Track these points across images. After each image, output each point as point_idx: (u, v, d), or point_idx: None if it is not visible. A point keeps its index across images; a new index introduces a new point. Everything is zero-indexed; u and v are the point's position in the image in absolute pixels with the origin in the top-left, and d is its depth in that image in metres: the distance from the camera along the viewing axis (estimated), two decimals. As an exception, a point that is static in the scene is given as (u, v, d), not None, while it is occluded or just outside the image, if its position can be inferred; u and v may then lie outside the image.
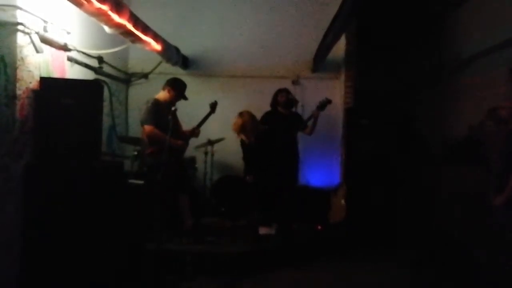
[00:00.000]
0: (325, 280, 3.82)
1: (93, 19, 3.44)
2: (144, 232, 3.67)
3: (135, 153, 4.77)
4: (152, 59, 5.51)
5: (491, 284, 3.04)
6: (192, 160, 5.44)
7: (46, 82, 3.24)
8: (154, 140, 4.06)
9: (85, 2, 3.06)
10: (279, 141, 4.69)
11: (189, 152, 4.82)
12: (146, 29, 4.11)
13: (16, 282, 3.01)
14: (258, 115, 5.00)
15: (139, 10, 4.21)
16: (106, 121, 4.70)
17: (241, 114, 5.01)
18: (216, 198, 5.47)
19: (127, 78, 5.88)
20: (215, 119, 4.59)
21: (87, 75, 4.45)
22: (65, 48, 3.76)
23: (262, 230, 4.59)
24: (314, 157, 5.67)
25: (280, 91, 4.93)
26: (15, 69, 3.01)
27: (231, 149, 5.65)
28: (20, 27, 3.04)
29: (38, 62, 3.27)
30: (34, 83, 3.20)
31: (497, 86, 3.93)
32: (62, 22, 3.67)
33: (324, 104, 4.69)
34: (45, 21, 3.34)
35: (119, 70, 5.55)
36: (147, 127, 4.07)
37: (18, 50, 3.03)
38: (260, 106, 5.16)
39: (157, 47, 4.52)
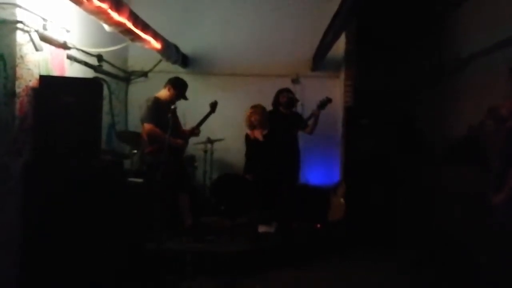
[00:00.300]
0: (324, 279, 3.82)
1: (92, 17, 3.43)
2: (144, 231, 3.67)
3: (135, 151, 4.77)
4: (151, 58, 5.50)
5: (491, 283, 3.05)
6: (192, 158, 5.44)
7: (46, 80, 3.23)
8: (153, 139, 4.05)
9: (84, 0, 3.05)
10: (280, 141, 4.68)
11: (189, 150, 4.81)
12: (145, 27, 4.11)
13: (15, 281, 3.00)
14: (258, 113, 4.99)
15: (139, 8, 4.20)
16: (105, 119, 4.69)
17: (254, 107, 4.84)
18: (215, 197, 5.46)
19: (126, 77, 5.88)
20: (215, 118, 4.58)
21: (87, 73, 4.45)
22: (64, 46, 3.74)
23: (262, 229, 4.59)
24: (313, 156, 5.67)
25: (281, 91, 4.92)
26: (14, 67, 3.00)
27: (230, 148, 5.66)
28: (19, 25, 3.03)
29: (37, 60, 3.26)
30: (33, 81, 3.19)
31: (497, 86, 3.93)
32: (62, 20, 3.66)
33: (325, 103, 4.69)
34: (44, 19, 3.33)
35: (118, 68, 5.54)
36: (147, 126, 4.06)
37: (17, 48, 3.02)
38: (260, 105, 5.14)
39: (157, 45, 4.51)
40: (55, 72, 3.57)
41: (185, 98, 4.34)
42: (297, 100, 5.11)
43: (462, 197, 3.98)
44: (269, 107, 4.97)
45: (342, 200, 4.98)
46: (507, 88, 3.67)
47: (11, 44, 3.00)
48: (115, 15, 3.42)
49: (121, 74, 5.69)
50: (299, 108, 5.35)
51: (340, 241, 4.70)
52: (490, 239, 3.15)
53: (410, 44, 5.71)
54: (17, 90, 3.03)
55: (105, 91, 4.56)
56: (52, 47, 3.54)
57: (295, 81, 5.90)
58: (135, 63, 5.91)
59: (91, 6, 3.14)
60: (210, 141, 5.31)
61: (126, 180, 3.69)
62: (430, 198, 4.64)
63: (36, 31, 3.21)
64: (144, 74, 5.87)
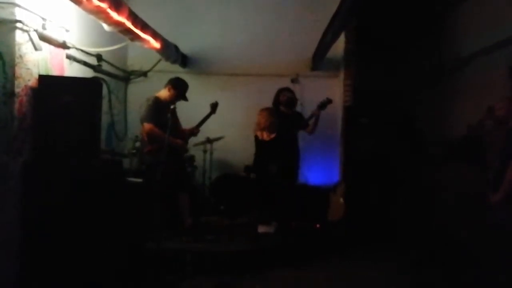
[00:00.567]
0: (324, 279, 3.82)
1: (92, 17, 3.43)
2: (144, 231, 3.66)
3: (134, 151, 4.77)
4: (151, 57, 5.50)
5: (491, 283, 3.05)
6: (191, 158, 5.44)
7: (45, 80, 3.23)
8: (153, 138, 4.05)
9: (84, 0, 3.04)
10: (281, 140, 4.68)
11: (188, 150, 4.80)
12: (145, 27, 4.10)
13: (15, 280, 3.00)
14: (257, 113, 4.98)
15: (138, 8, 4.20)
16: (105, 119, 4.68)
17: (264, 110, 4.81)
18: (215, 197, 5.47)
19: (126, 76, 5.87)
20: (215, 117, 4.58)
21: (86, 73, 4.44)
22: (63, 46, 3.74)
23: (261, 229, 4.59)
24: (313, 155, 5.67)
25: (282, 90, 4.91)
26: (13, 66, 2.99)
27: (230, 147, 5.66)
28: (18, 24, 3.02)
29: (36, 59, 3.26)
30: (32, 81, 3.18)
31: (496, 86, 3.93)
32: (61, 20, 3.65)
33: (325, 103, 4.69)
34: (43, 19, 3.32)
35: (118, 68, 5.54)
36: (147, 125, 4.06)
37: (16, 48, 3.02)
38: (259, 104, 5.14)
39: (156, 45, 4.50)
40: (54, 72, 3.56)
41: (185, 99, 4.34)
42: (296, 100, 5.11)
43: (462, 196, 3.98)
44: (268, 106, 4.96)
45: (341, 200, 4.98)
46: (507, 88, 3.67)
47: (10, 44, 2.99)
48: (114, 15, 3.42)
49: (120, 73, 5.68)
50: (298, 108, 5.34)
51: (340, 241, 4.70)
52: (489, 238, 3.15)
53: (409, 43, 5.71)
54: (16, 89, 3.02)
55: (105, 91, 4.55)
56: (51, 47, 3.54)
57: (294, 80, 5.90)
58: (134, 62, 5.90)
59: (90, 5, 3.13)
60: (209, 141, 5.31)
61: (125, 180, 3.68)
62: (430, 197, 4.64)
63: (35, 30, 3.20)
64: (144, 73, 5.87)
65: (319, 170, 5.84)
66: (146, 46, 4.45)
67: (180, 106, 4.31)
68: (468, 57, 4.60)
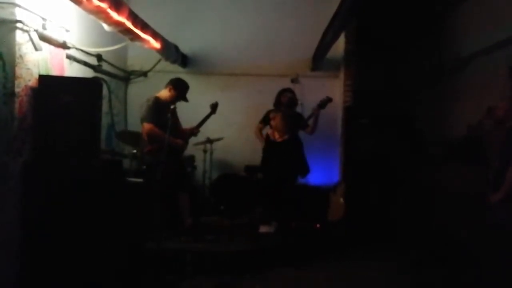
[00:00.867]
0: (324, 279, 3.82)
1: (92, 17, 3.43)
2: (144, 231, 3.66)
3: (134, 151, 4.77)
4: (151, 57, 5.50)
5: (491, 282, 3.05)
6: (191, 158, 5.44)
7: (45, 80, 3.23)
8: (153, 138, 4.05)
9: (84, 0, 3.04)
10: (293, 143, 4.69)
11: (188, 150, 4.81)
12: (145, 27, 4.10)
13: (15, 280, 3.00)
14: (258, 113, 4.99)
15: (138, 7, 4.20)
16: (105, 119, 4.68)
17: (279, 111, 4.84)
18: (215, 197, 5.47)
19: (126, 76, 5.87)
20: (215, 117, 4.59)
21: (86, 73, 4.44)
22: (64, 46, 3.74)
23: (262, 229, 4.59)
24: (313, 155, 5.66)
25: (283, 91, 4.92)
26: (13, 66, 2.99)
27: (230, 147, 5.66)
28: (18, 24, 3.02)
29: (36, 59, 3.26)
30: (32, 81, 3.18)
31: (496, 85, 3.93)
32: (61, 20, 3.65)
33: (325, 102, 4.69)
34: (44, 19, 3.32)
35: (118, 68, 5.54)
36: (146, 125, 4.06)
37: (16, 48, 3.02)
38: (259, 104, 5.15)
39: (156, 45, 4.50)
40: (55, 72, 3.56)
41: (186, 100, 4.34)
42: (296, 100, 5.11)
43: (462, 196, 3.98)
44: (269, 106, 4.97)
45: (341, 200, 4.98)
46: (506, 88, 3.67)
47: (11, 44, 2.99)
48: (114, 15, 3.42)
49: (120, 73, 5.69)
50: (298, 108, 5.34)
51: (340, 241, 4.69)
52: (489, 238, 3.16)
53: (409, 43, 5.71)
54: (17, 89, 3.02)
55: (105, 91, 4.53)
56: (52, 47, 3.54)
57: (294, 80, 5.90)
58: (134, 62, 5.91)
59: (90, 5, 3.13)
60: (209, 141, 5.31)
61: (125, 180, 3.68)
62: (430, 197, 4.64)
63: (36, 30, 3.20)
64: (144, 73, 5.87)
65: (319, 170, 5.84)
66: (146, 46, 4.45)
67: (180, 106, 4.31)
68: (468, 57, 4.60)
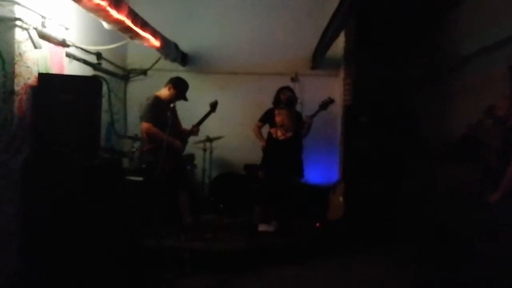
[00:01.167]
0: (324, 277, 3.82)
1: (91, 15, 3.43)
2: (143, 229, 3.67)
3: (134, 149, 4.77)
4: (151, 56, 5.49)
5: (491, 280, 3.06)
6: (191, 157, 5.44)
7: (45, 78, 3.23)
8: (152, 138, 4.06)
9: (83, -2, 3.05)
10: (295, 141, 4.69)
11: (188, 148, 4.81)
12: (145, 25, 4.10)
13: (15, 277, 3.00)
14: (258, 112, 4.99)
15: (138, 6, 4.21)
16: (104, 117, 4.68)
17: (284, 108, 4.79)
18: (214, 195, 5.47)
19: (125, 74, 5.87)
20: (214, 116, 4.58)
21: (86, 71, 4.44)
22: (63, 44, 3.74)
23: (261, 227, 4.59)
24: (313, 154, 5.67)
25: (282, 89, 4.91)
26: (13, 65, 3.00)
27: (229, 146, 5.66)
28: (18, 22, 3.02)
29: (36, 58, 3.26)
30: (32, 79, 3.19)
31: (496, 85, 3.93)
32: (61, 18, 3.65)
33: (327, 103, 4.67)
34: (43, 17, 3.32)
35: (117, 66, 5.54)
36: (146, 125, 4.06)
37: (16, 46, 3.02)
38: (259, 103, 5.15)
39: (156, 43, 4.50)
40: (54, 70, 3.56)
41: (185, 99, 4.34)
42: (296, 98, 5.10)
43: (461, 194, 3.99)
44: (269, 105, 4.97)
45: (341, 199, 4.98)
46: (506, 87, 3.68)
47: (10, 42, 2.99)
48: (114, 13, 3.42)
49: (120, 72, 5.68)
50: (298, 107, 5.34)
51: (339, 240, 4.70)
52: (488, 236, 3.17)
53: (409, 42, 5.71)
54: (16, 88, 3.03)
55: (104, 89, 4.55)
56: (51, 45, 3.54)
57: (294, 79, 5.90)
58: (134, 61, 5.90)
59: (90, 3, 3.13)
60: (209, 139, 5.31)
61: (124, 178, 3.68)
62: (429, 195, 4.65)
63: (35, 28, 3.21)
64: (143, 72, 5.87)
65: (319, 169, 5.84)
66: (145, 44, 4.45)
67: (180, 105, 4.31)
68: (468, 57, 4.60)
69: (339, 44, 5.65)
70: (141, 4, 4.81)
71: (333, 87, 5.81)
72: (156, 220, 3.75)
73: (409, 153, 5.01)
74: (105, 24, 3.70)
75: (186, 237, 4.06)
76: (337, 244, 4.63)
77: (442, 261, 3.86)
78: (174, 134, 4.01)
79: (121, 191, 3.34)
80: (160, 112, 3.99)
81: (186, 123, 4.50)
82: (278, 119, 4.75)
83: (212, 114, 4.54)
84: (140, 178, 3.81)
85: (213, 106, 4.53)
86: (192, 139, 4.71)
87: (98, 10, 3.30)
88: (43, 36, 3.34)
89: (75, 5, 3.22)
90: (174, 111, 4.10)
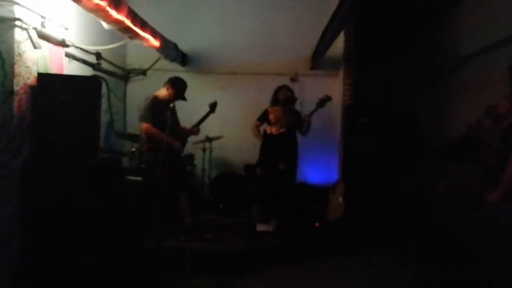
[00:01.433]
0: (324, 277, 3.82)
1: (91, 15, 3.42)
2: (143, 229, 3.66)
3: (133, 149, 4.77)
4: (150, 56, 5.49)
5: (490, 280, 3.06)
6: (191, 157, 5.44)
7: (44, 78, 3.22)
8: (151, 138, 4.05)
9: (83, -2, 3.04)
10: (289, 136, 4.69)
11: (188, 149, 4.81)
12: (144, 25, 4.10)
13: (14, 277, 3.00)
14: (257, 112, 4.99)
15: (138, 6, 4.20)
16: (104, 117, 4.68)
17: (277, 105, 4.82)
18: (214, 195, 5.47)
19: (125, 75, 5.87)
20: (214, 116, 4.58)
21: (85, 71, 4.44)
22: (63, 44, 3.73)
23: (260, 227, 4.59)
24: (312, 154, 5.67)
25: (280, 88, 4.91)
26: (12, 65, 2.99)
27: (229, 146, 5.66)
28: (17, 22, 3.02)
29: (35, 58, 3.25)
30: (31, 79, 3.18)
31: (496, 84, 3.93)
32: (60, 18, 3.65)
33: (324, 101, 4.68)
34: (43, 17, 3.32)
35: (117, 66, 5.54)
36: (145, 125, 4.06)
37: (15, 46, 3.02)
38: (259, 103, 5.14)
39: (156, 43, 4.50)
40: (54, 70, 3.56)
41: (184, 99, 4.33)
42: (296, 98, 5.10)
43: (461, 194, 3.99)
44: (268, 105, 4.96)
45: (340, 199, 4.98)
46: (506, 87, 3.68)
47: (9, 42, 2.99)
48: (113, 13, 3.41)
49: (119, 72, 5.68)
50: (298, 106, 5.34)
51: (339, 240, 4.70)
52: (488, 236, 3.17)
53: (409, 42, 5.70)
54: (15, 88, 3.02)
55: (104, 89, 4.55)
56: (51, 45, 3.53)
57: (294, 79, 5.90)
58: (133, 61, 5.90)
59: (89, 3, 3.13)
60: (208, 139, 5.31)
61: (124, 178, 3.68)
62: (429, 195, 4.65)
63: (35, 28, 3.20)
64: (143, 72, 5.87)
65: (318, 169, 5.84)
66: (145, 44, 4.45)
67: (180, 105, 4.31)
68: (468, 57, 4.60)
69: (339, 44, 5.65)
70: (140, 4, 4.80)
71: (332, 87, 5.81)
72: (156, 220, 3.75)
73: (409, 153, 5.01)
74: (105, 24, 3.70)
75: (186, 237, 4.05)
76: (337, 244, 4.63)
77: (442, 261, 3.86)
78: (173, 134, 4.01)
79: (120, 191, 3.33)
80: (159, 112, 3.99)
81: (186, 123, 4.50)
82: (271, 116, 4.76)
83: (212, 114, 4.54)
84: (140, 178, 3.80)
85: (213, 106, 4.53)
86: (191, 139, 4.71)
87: (97, 10, 3.30)
88: (42, 36, 3.34)
89: (74, 5, 3.22)
90: (173, 111, 4.10)
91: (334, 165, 5.87)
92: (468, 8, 4.78)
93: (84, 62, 4.40)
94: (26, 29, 3.11)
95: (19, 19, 3.02)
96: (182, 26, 5.88)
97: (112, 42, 4.41)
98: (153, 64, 5.68)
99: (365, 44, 5.59)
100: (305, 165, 5.60)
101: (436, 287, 3.59)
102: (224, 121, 5.51)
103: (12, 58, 2.99)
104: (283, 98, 4.83)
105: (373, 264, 4.13)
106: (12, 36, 3.00)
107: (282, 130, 4.70)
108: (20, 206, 3.03)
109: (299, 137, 5.02)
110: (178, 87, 4.25)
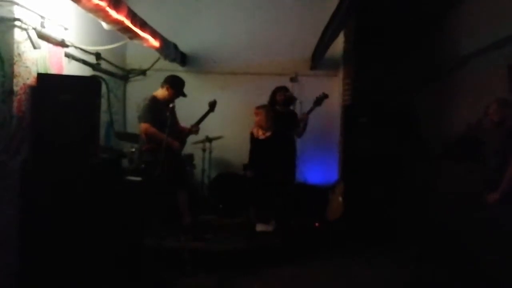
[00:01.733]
0: (323, 277, 3.82)
1: (91, 15, 3.42)
2: (143, 229, 3.66)
3: (133, 149, 4.77)
4: (150, 56, 5.49)
5: (489, 280, 3.06)
6: (190, 157, 5.44)
7: (44, 78, 3.22)
8: (150, 138, 4.05)
9: (83, -2, 3.04)
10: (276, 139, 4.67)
11: (187, 149, 4.81)
12: (144, 26, 4.10)
13: (14, 277, 3.00)
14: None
15: (137, 6, 4.20)
16: (103, 117, 4.66)
17: (259, 107, 4.80)
18: (214, 195, 5.47)
19: (125, 75, 5.87)
20: (214, 116, 4.58)
21: (85, 71, 4.44)
22: (62, 44, 3.73)
23: (260, 227, 4.59)
24: (312, 154, 5.67)
25: (278, 89, 4.91)
26: (12, 65, 2.99)
27: (229, 146, 5.66)
28: (17, 22, 3.02)
29: (35, 58, 3.25)
30: (31, 79, 3.18)
31: (496, 84, 3.93)
32: (60, 18, 3.65)
33: (321, 99, 4.68)
34: (42, 17, 3.31)
35: (117, 66, 5.53)
36: (144, 125, 4.06)
37: (15, 46, 3.01)
38: (258, 103, 5.13)
39: (155, 43, 4.50)
40: (53, 70, 3.56)
41: (184, 95, 4.33)
42: (295, 99, 5.10)
43: (461, 194, 3.99)
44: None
45: (340, 199, 4.98)
46: (505, 86, 3.68)
47: (9, 42, 2.99)
48: (113, 13, 3.41)
49: (119, 72, 5.68)
50: (297, 106, 5.34)
51: (339, 240, 4.70)
52: (487, 236, 3.17)
53: (409, 41, 5.71)
54: (15, 88, 3.02)
55: (103, 89, 4.52)
56: (50, 45, 3.53)
57: (293, 79, 5.90)
58: (133, 61, 5.90)
59: (89, 4, 3.13)
60: (208, 139, 5.30)
61: (124, 178, 3.68)
62: (429, 195, 4.65)
63: (34, 28, 3.20)
64: (143, 72, 5.86)
65: (318, 169, 5.84)
66: (145, 44, 4.44)
67: (179, 104, 4.30)
68: (468, 57, 4.60)
69: (339, 44, 5.65)
70: (140, 4, 4.80)
71: (332, 87, 5.81)
72: (156, 220, 3.75)
73: (409, 153, 5.01)
74: (104, 24, 3.70)
75: (186, 237, 4.05)
76: (336, 244, 4.63)
77: (442, 261, 3.86)
78: (172, 134, 4.01)
79: (120, 191, 3.33)
80: (158, 112, 3.99)
81: (185, 123, 4.49)
82: (256, 118, 4.74)
83: (211, 114, 4.54)
84: (139, 178, 3.80)
85: (212, 105, 4.53)
86: (191, 139, 4.70)
87: (97, 10, 3.30)
88: (42, 36, 3.34)
89: (74, 5, 3.21)
90: (172, 111, 4.09)
91: (334, 165, 5.86)
92: (468, 8, 4.78)
93: (84, 62, 4.40)
94: (25, 29, 3.11)
95: (18, 19, 3.02)
96: (182, 26, 5.88)
97: (111, 42, 4.40)
98: (152, 64, 5.68)
99: (364, 44, 5.59)
100: (305, 165, 5.60)
101: (436, 287, 3.58)
102: (224, 121, 5.51)
103: (12, 58, 2.99)
104: (282, 100, 4.82)
105: (373, 264, 4.13)
106: (11, 36, 2.99)
107: (268, 134, 4.68)
108: (20, 206, 3.02)
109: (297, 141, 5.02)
110: (176, 86, 4.24)
